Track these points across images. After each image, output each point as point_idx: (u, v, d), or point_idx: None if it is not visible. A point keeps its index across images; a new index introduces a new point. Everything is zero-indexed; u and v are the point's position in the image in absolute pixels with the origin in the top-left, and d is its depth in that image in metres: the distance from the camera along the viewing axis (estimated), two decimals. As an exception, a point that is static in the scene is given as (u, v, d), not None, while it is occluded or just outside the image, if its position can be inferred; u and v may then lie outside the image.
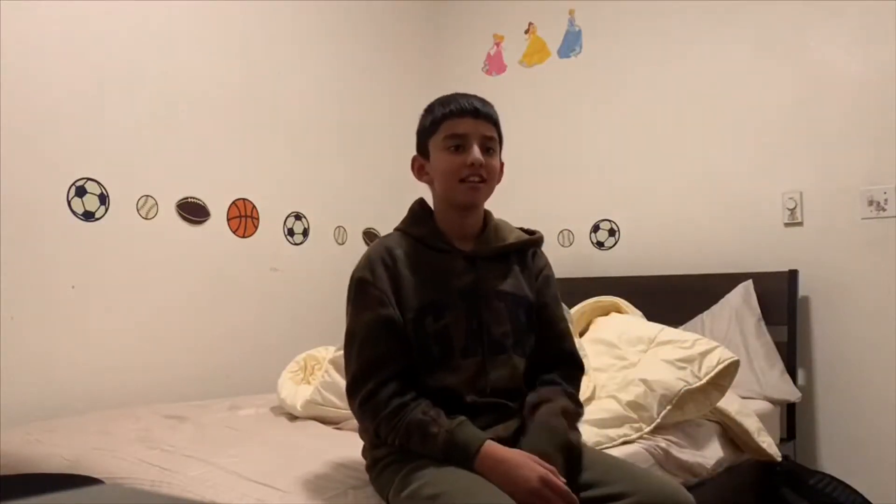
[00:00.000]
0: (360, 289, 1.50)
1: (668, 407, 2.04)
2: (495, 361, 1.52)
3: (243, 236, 3.01)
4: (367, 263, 1.51)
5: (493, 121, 1.56)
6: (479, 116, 1.52)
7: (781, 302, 2.78)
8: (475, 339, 1.51)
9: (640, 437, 1.98)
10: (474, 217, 1.59)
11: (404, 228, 1.59)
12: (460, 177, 1.51)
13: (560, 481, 1.32)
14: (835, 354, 2.79)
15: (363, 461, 1.57)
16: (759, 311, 2.78)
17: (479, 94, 1.58)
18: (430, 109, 1.57)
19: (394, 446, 1.44)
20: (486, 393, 1.50)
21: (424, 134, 1.57)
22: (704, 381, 2.10)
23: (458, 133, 1.51)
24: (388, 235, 1.60)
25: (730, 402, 2.27)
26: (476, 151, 1.50)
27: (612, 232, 3.31)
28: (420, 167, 1.60)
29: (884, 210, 2.69)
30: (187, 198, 2.82)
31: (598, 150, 3.36)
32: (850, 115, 2.76)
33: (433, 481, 1.35)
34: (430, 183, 1.59)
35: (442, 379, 1.48)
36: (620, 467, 1.48)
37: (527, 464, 1.34)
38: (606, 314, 2.65)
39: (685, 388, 2.06)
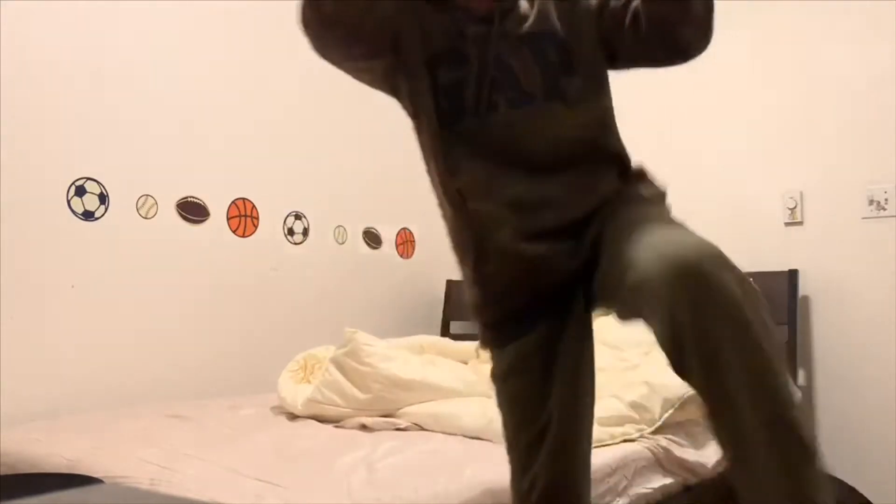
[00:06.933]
0: None
1: (671, 410, 2.04)
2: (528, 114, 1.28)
3: (243, 236, 3.01)
4: None
5: None
6: None
7: (781, 302, 2.78)
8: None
9: (642, 437, 1.98)
10: None
11: None
12: None
13: None
14: (835, 354, 2.79)
15: (363, 461, 1.56)
16: (759, 310, 2.78)
17: None
18: None
19: None
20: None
21: None
22: (707, 383, 2.09)
23: None
24: None
25: (730, 402, 2.27)
26: None
27: (612, 232, 3.30)
28: None
29: (884, 210, 2.69)
30: (187, 197, 2.82)
31: (598, 150, 3.36)
32: (851, 115, 2.76)
33: None
34: None
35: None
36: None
37: None
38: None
39: (688, 393, 2.06)
